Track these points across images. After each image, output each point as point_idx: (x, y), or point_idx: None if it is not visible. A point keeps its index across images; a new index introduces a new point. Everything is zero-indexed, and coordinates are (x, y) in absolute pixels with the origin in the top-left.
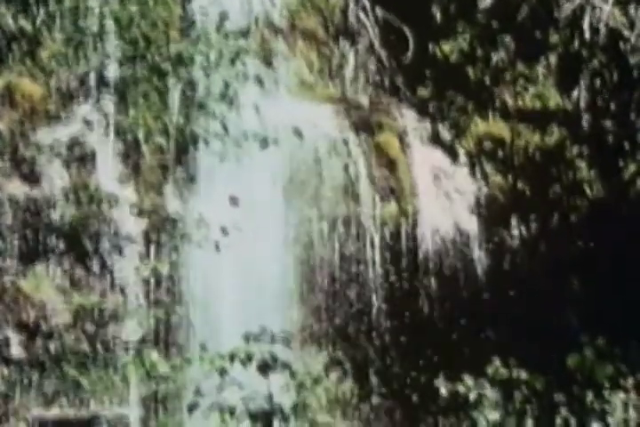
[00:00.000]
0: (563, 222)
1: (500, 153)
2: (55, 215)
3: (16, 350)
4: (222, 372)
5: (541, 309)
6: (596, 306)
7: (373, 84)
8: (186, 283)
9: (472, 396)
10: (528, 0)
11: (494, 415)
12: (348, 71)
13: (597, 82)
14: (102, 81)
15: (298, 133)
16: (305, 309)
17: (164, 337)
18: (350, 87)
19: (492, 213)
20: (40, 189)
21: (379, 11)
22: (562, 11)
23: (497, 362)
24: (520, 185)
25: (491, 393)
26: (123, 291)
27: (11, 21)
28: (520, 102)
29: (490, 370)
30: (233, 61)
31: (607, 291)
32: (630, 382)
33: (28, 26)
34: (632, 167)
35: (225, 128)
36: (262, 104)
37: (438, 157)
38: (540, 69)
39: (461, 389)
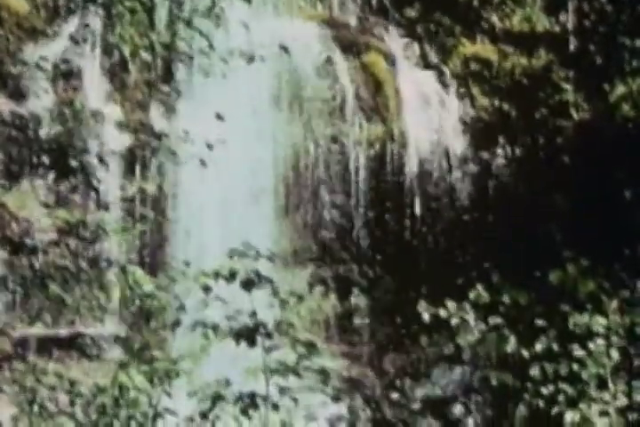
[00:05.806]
0: (548, 144)
1: (487, 75)
2: (41, 132)
3: (0, 268)
4: (206, 289)
5: (526, 225)
6: (580, 224)
7: (361, 4)
8: (171, 200)
9: (454, 321)
10: None
11: (474, 336)
12: None
13: (585, 4)
14: None
15: (285, 50)
16: (290, 226)
17: (148, 254)
18: (338, 7)
19: (477, 135)
20: (26, 106)
21: None
22: None
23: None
24: (506, 107)
25: (473, 317)
26: (107, 208)
27: None
28: (508, 25)
29: (472, 295)
30: None
31: (591, 209)
32: (614, 304)
33: None
34: (619, 90)
35: (211, 45)
36: (250, 22)
37: (425, 78)
38: None
39: (443, 313)
